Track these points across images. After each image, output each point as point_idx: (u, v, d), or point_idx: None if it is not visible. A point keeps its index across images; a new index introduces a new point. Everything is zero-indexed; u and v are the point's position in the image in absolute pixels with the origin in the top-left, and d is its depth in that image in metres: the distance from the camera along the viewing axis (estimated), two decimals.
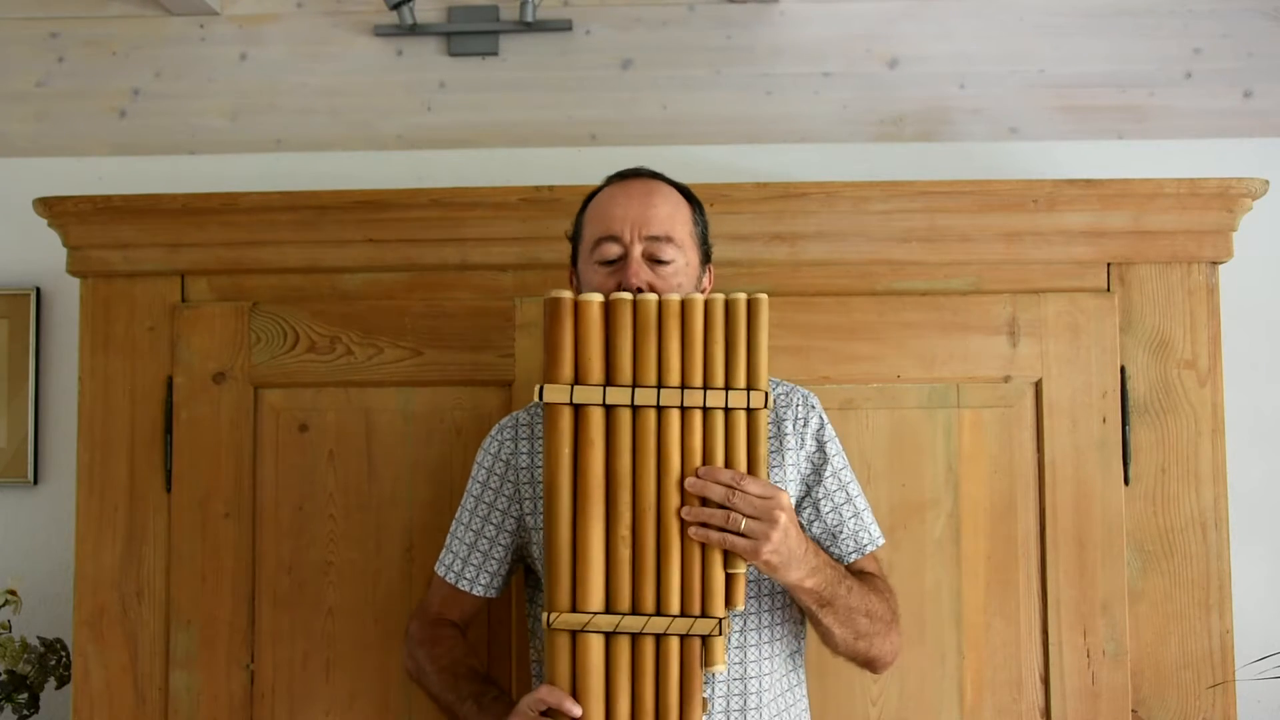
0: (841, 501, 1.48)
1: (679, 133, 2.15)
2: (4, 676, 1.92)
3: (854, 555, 1.48)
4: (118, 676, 1.82)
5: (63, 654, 1.96)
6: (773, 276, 1.84)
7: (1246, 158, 2.09)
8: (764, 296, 1.32)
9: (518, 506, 1.52)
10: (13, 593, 1.97)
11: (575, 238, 1.52)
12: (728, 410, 1.31)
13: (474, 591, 1.53)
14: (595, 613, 1.29)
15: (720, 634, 1.28)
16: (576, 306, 1.33)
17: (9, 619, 1.96)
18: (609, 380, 1.32)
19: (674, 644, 1.28)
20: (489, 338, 1.84)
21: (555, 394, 1.31)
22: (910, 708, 1.79)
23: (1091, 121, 2.14)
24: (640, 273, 1.40)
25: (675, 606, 1.29)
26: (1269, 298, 2.08)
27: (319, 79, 2.19)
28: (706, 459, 1.30)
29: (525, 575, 1.59)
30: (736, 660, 1.42)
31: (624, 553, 1.30)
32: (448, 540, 1.56)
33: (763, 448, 1.32)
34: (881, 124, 2.15)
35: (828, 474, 1.48)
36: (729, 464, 1.30)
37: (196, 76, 2.20)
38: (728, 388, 1.31)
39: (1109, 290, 1.83)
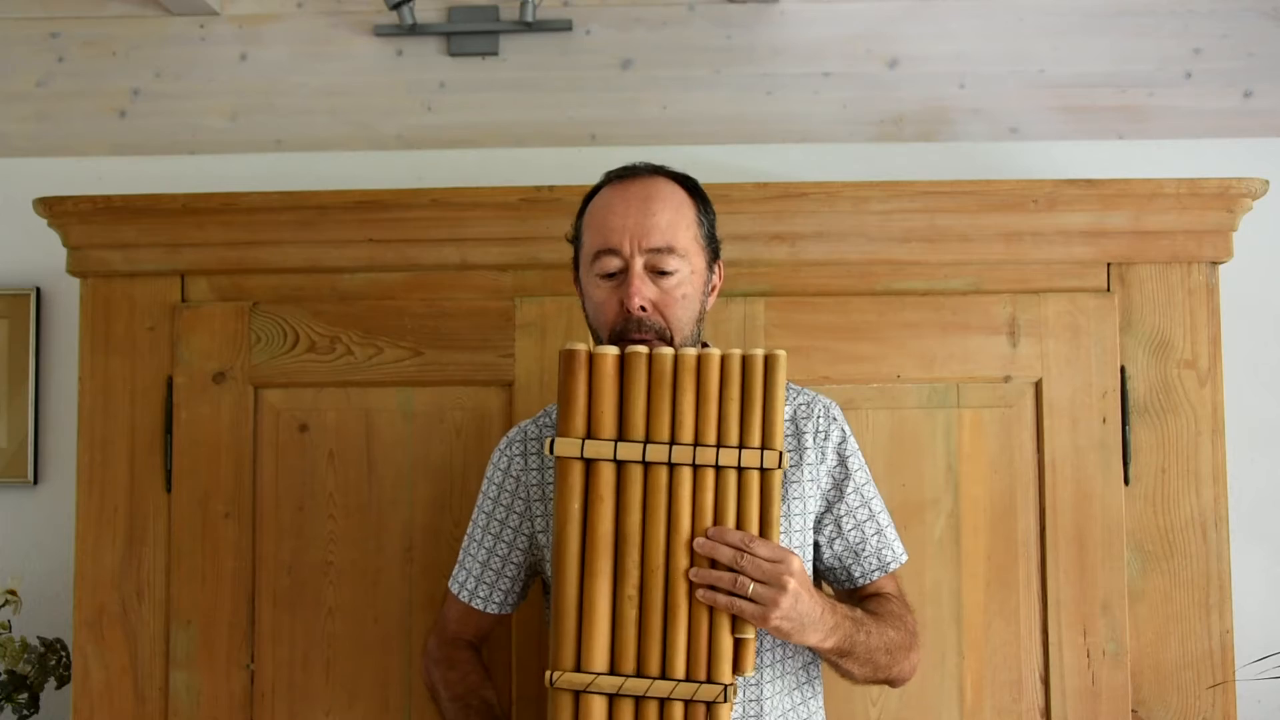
0: (864, 518, 1.45)
1: (679, 133, 2.15)
2: (4, 676, 1.92)
3: (876, 574, 1.45)
4: (118, 676, 1.82)
5: (63, 654, 1.96)
6: (773, 276, 1.84)
7: (1246, 158, 2.09)
8: (782, 354, 1.29)
9: (529, 524, 1.49)
10: (13, 593, 1.97)
11: (576, 241, 1.47)
12: (740, 469, 1.28)
13: (488, 610, 1.51)
14: (599, 673, 1.26)
15: (725, 701, 1.24)
16: (591, 359, 1.29)
17: (9, 619, 1.96)
18: (621, 435, 1.29)
19: (678, 709, 1.25)
20: (489, 338, 1.84)
21: (566, 448, 1.28)
22: (910, 708, 1.79)
23: (1091, 121, 2.14)
24: (642, 290, 1.36)
25: (681, 670, 1.25)
26: (1269, 298, 2.08)
27: (319, 79, 2.19)
28: (717, 519, 1.27)
29: (544, 588, 1.56)
30: (753, 681, 1.39)
31: (630, 613, 1.26)
32: (461, 556, 1.54)
33: (775, 509, 1.28)
34: (881, 124, 2.15)
35: (849, 489, 1.45)
36: (740, 525, 1.27)
37: (196, 76, 2.20)
38: (741, 446, 1.28)
39: (1109, 290, 1.83)
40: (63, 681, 1.94)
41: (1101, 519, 1.79)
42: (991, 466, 1.81)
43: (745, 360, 1.29)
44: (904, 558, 1.48)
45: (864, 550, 1.45)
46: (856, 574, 1.45)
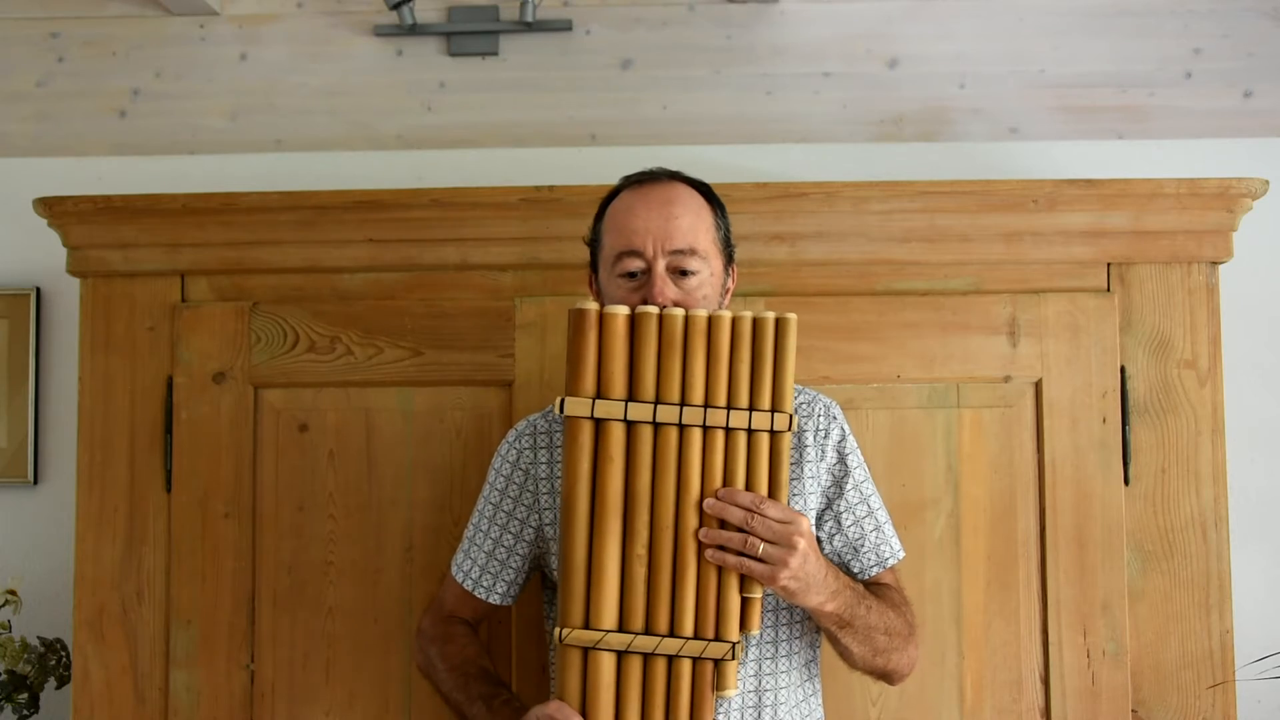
0: (863, 515, 1.47)
1: (679, 133, 2.15)
2: (4, 676, 1.92)
3: (875, 569, 1.47)
4: (118, 676, 1.82)
5: (63, 654, 1.96)
6: (773, 276, 1.84)
7: (1246, 158, 2.09)
8: (793, 316, 1.31)
9: (537, 516, 1.50)
10: (13, 593, 1.97)
11: (594, 243, 1.49)
12: (750, 431, 1.29)
13: (490, 600, 1.52)
14: (608, 631, 1.28)
15: (733, 659, 1.27)
16: (601, 319, 1.31)
17: (9, 619, 1.96)
18: (631, 395, 1.30)
19: (685, 666, 1.27)
20: (489, 338, 1.84)
21: (576, 407, 1.29)
22: (910, 708, 1.79)
23: (1091, 121, 2.14)
24: (666, 290, 1.37)
25: (689, 629, 1.27)
26: (1269, 298, 2.08)
27: (319, 79, 2.19)
28: (727, 480, 1.29)
29: (543, 582, 1.57)
30: (751, 673, 1.40)
31: (639, 571, 1.28)
32: (464, 544, 1.55)
33: (784, 471, 1.30)
34: (881, 124, 2.15)
35: (849, 486, 1.47)
36: (749, 486, 1.29)
37: (196, 76, 2.20)
38: (751, 408, 1.29)
39: (1109, 290, 1.83)
40: (63, 681, 1.94)
41: (1101, 519, 1.79)
42: (991, 466, 1.81)
43: (756, 323, 1.31)
44: (901, 554, 1.50)
45: (863, 546, 1.47)
46: (855, 569, 1.47)
